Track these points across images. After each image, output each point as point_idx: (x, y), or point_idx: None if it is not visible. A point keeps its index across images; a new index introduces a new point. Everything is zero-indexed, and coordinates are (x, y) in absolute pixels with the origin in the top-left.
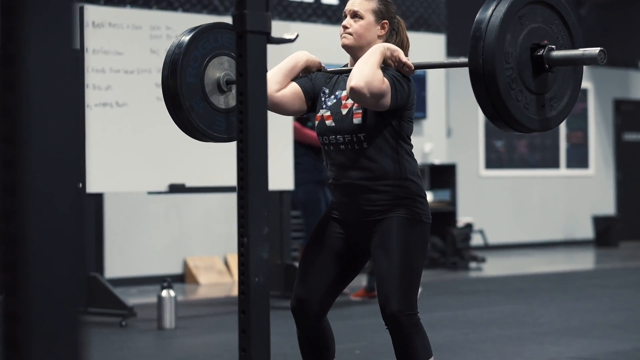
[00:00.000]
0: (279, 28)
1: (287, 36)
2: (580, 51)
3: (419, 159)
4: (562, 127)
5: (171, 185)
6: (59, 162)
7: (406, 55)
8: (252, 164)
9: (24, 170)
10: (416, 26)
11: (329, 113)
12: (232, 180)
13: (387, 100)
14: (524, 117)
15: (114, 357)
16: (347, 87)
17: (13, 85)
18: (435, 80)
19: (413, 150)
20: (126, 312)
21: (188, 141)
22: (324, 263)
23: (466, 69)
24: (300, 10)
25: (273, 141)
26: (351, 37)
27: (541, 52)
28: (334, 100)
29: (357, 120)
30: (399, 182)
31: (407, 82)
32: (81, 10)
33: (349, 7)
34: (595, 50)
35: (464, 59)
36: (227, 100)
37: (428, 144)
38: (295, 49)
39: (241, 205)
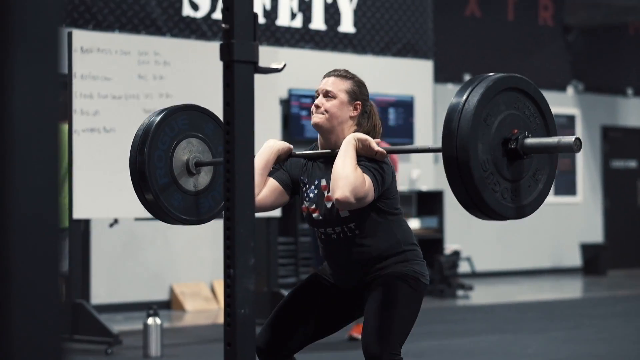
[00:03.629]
0: (267, 54)
1: (274, 65)
2: (555, 139)
3: (406, 185)
4: None
5: None
6: (41, 183)
7: (377, 138)
8: (239, 193)
9: (6, 191)
10: (404, 52)
11: (314, 206)
12: None
13: (371, 195)
14: (499, 206)
15: None
16: (333, 198)
17: None
18: (422, 106)
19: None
20: (112, 340)
21: None
22: (301, 312)
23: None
24: (288, 35)
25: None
26: (323, 116)
27: (514, 144)
28: (316, 191)
29: (343, 213)
30: (395, 255)
31: (382, 168)
32: (69, 35)
33: (321, 86)
34: (571, 138)
35: (438, 146)
36: (197, 181)
37: (415, 171)
38: (282, 76)
39: (227, 236)
